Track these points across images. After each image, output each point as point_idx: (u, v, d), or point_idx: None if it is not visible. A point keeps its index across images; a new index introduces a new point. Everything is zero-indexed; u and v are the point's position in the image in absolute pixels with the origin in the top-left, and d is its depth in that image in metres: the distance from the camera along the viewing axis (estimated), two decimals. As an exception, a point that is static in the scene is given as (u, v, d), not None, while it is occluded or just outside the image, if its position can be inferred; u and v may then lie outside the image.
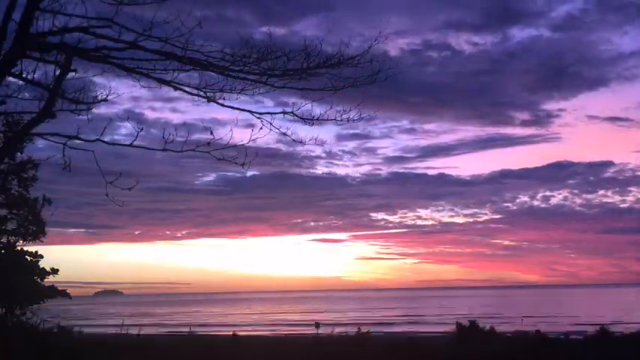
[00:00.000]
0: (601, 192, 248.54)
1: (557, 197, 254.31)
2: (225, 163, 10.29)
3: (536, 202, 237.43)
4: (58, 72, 9.67)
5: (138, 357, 16.70)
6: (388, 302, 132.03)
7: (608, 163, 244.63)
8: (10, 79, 10.43)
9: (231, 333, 27.32)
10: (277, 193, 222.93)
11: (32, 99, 11.45)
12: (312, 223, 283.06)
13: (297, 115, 10.34)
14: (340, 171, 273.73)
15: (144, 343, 19.56)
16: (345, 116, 10.32)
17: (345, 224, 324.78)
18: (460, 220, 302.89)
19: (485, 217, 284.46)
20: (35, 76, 10.13)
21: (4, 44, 9.23)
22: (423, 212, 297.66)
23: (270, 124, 10.32)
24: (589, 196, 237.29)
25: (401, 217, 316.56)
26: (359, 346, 18.67)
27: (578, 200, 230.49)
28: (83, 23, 9.58)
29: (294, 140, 10.61)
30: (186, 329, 36.62)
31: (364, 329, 23.10)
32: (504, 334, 20.99)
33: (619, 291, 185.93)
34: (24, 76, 10.18)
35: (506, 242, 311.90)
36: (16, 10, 9.18)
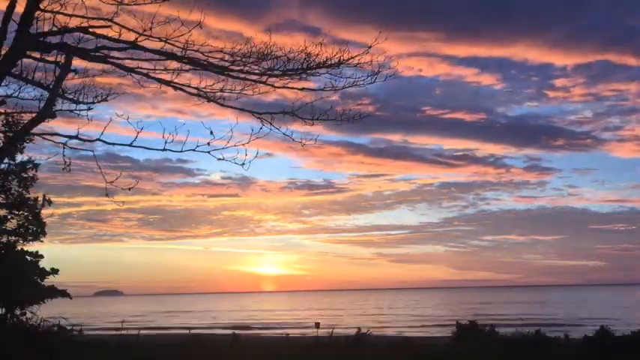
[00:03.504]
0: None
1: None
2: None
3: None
4: (58, 72, 9.67)
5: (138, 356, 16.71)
6: (381, 302, 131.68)
7: None
8: (10, 79, 10.44)
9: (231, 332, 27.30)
10: (265, 194, 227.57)
11: (32, 99, 11.49)
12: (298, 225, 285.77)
13: (297, 115, 10.33)
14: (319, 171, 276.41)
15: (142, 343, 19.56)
16: (344, 116, 10.32)
17: (329, 226, 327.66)
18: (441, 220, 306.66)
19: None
20: (35, 76, 10.13)
21: (4, 44, 9.24)
22: (406, 213, 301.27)
23: (270, 123, 10.31)
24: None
25: (378, 218, 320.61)
26: (359, 346, 18.67)
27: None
28: (83, 23, 9.59)
29: (293, 140, 10.59)
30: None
31: (363, 330, 23.10)
32: (504, 334, 20.96)
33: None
34: (24, 76, 10.18)
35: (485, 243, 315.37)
36: (16, 10, 9.19)
